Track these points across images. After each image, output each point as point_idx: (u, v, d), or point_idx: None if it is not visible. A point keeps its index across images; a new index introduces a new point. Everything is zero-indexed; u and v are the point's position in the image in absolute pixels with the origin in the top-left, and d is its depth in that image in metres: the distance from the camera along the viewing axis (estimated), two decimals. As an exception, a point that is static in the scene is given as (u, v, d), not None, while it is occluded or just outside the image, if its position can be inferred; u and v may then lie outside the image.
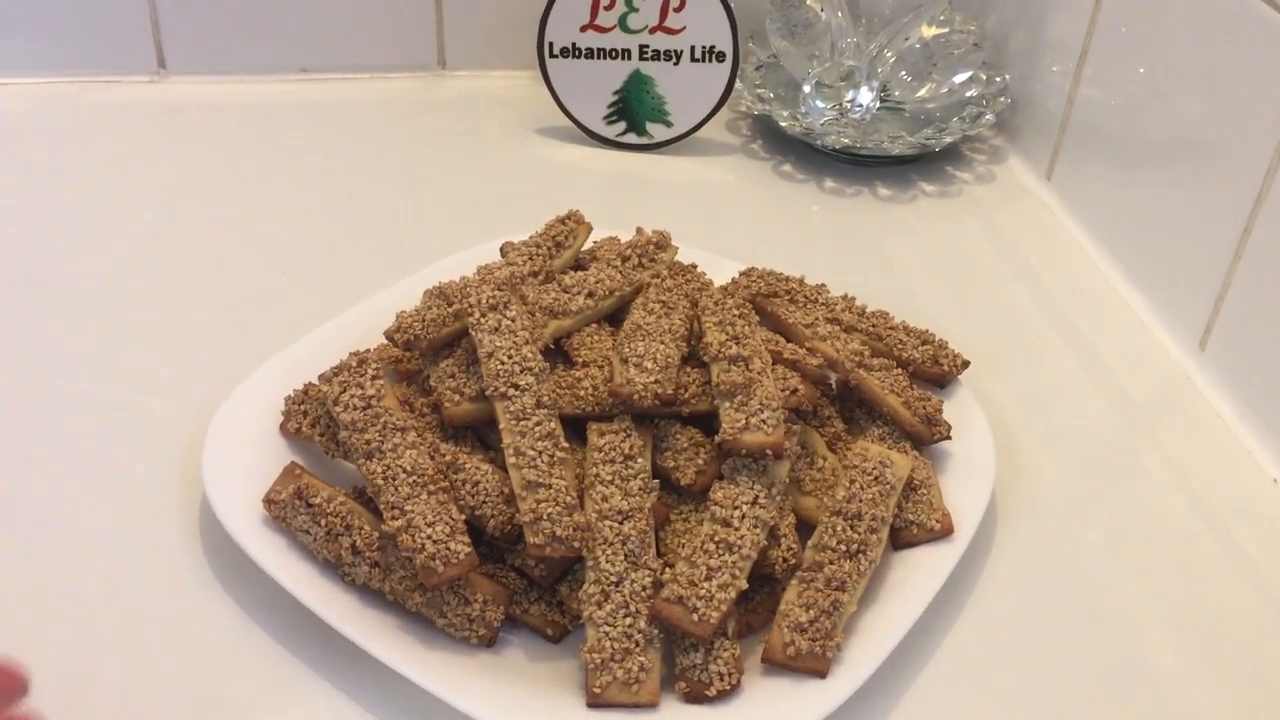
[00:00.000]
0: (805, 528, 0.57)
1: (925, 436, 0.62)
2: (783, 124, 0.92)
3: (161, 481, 0.61)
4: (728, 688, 0.51)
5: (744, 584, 0.53)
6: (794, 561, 0.55)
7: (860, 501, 0.56)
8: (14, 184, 0.85)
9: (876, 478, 0.57)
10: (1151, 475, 0.67)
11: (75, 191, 0.85)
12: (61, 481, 0.62)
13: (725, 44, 0.90)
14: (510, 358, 0.57)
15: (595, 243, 0.70)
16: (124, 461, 0.63)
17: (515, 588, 0.56)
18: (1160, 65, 0.79)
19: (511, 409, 0.56)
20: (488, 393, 0.57)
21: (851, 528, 0.55)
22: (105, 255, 0.79)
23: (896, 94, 0.94)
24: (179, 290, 0.76)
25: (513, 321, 0.58)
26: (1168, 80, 0.78)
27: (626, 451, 0.56)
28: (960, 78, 0.93)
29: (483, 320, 0.58)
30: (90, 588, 0.56)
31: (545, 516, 0.53)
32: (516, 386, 0.56)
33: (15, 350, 0.70)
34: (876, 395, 0.63)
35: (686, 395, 0.59)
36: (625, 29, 0.90)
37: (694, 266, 0.69)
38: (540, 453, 0.54)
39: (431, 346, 0.61)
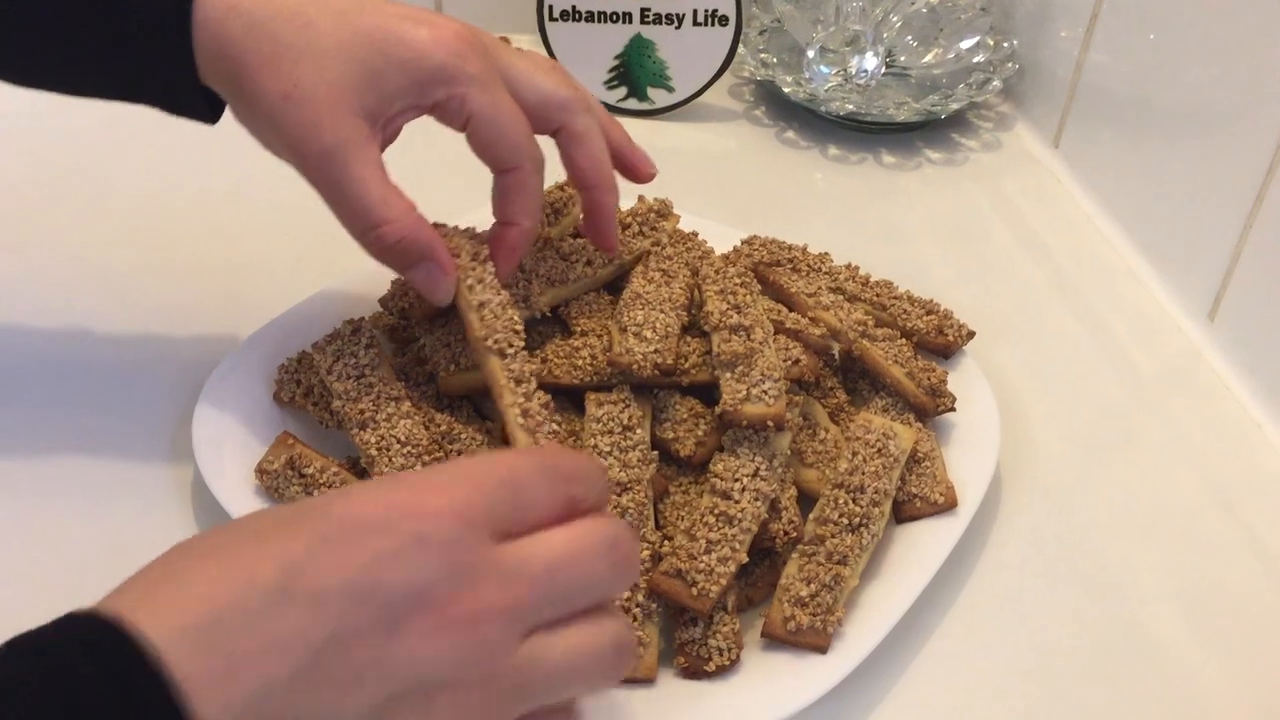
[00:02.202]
0: (807, 500, 0.56)
1: (929, 408, 0.61)
2: (786, 90, 0.90)
3: (153, 450, 0.61)
4: (727, 663, 0.50)
5: (744, 557, 0.52)
6: (795, 535, 0.54)
7: (863, 474, 0.55)
8: (8, 146, 0.84)
9: (879, 450, 0.57)
10: (1159, 448, 0.66)
11: (66, 157, 0.83)
12: (51, 450, 0.61)
13: (728, 7, 0.89)
14: (498, 315, 0.54)
15: (594, 210, 0.69)
16: (114, 430, 0.62)
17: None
18: (1172, 31, 0.77)
19: (511, 368, 0.53)
20: (484, 345, 0.53)
21: (854, 501, 0.55)
22: (96, 221, 0.78)
23: (902, 59, 0.93)
24: (171, 255, 0.75)
25: (494, 278, 0.55)
26: (1179, 46, 0.77)
27: (625, 422, 0.55)
28: (967, 43, 0.92)
29: (470, 269, 0.55)
30: (80, 557, 0.56)
31: None
32: (511, 345, 0.53)
33: (6, 314, 0.69)
34: (880, 366, 0.62)
35: (686, 365, 0.58)
36: (626, -9, 0.89)
37: (695, 234, 0.68)
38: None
39: (426, 315, 0.60)
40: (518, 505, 0.37)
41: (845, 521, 0.54)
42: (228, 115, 0.55)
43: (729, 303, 0.58)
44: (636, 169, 0.60)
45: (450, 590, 0.34)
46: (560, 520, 0.37)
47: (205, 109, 0.54)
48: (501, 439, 0.55)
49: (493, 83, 0.53)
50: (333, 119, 0.50)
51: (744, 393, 0.55)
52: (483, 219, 0.68)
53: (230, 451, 0.57)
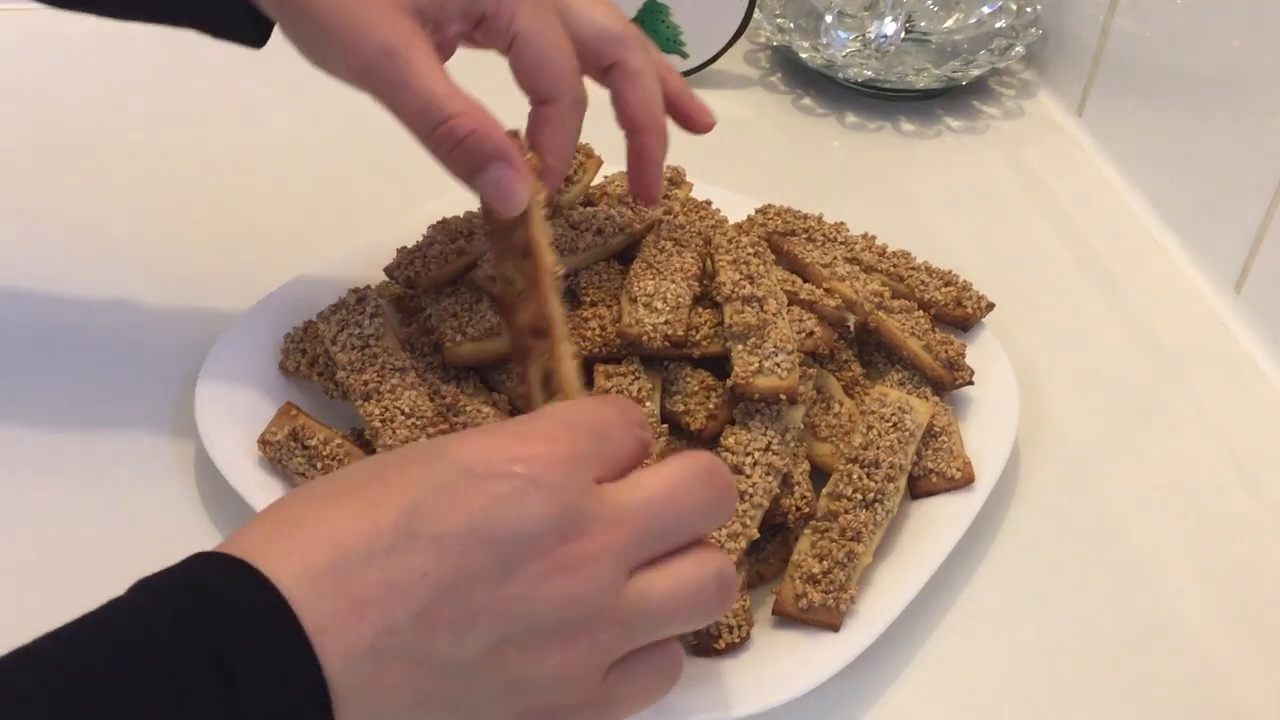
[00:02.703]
0: (820, 475, 0.55)
1: (947, 381, 0.60)
2: (803, 55, 0.89)
3: (155, 420, 0.60)
4: (737, 640, 0.49)
5: (755, 533, 0.51)
6: (808, 510, 0.53)
7: (878, 449, 0.54)
8: (9, 112, 0.83)
9: (895, 424, 0.55)
10: (1182, 423, 0.65)
11: (72, 121, 0.83)
12: (53, 420, 0.60)
13: (744, -29, 0.87)
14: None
15: (605, 178, 0.68)
16: (117, 398, 0.61)
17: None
18: (1200, -5, 0.75)
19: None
20: (553, 280, 0.48)
21: (868, 476, 0.53)
22: (99, 189, 0.77)
23: (922, 24, 0.91)
24: (176, 223, 0.74)
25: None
26: (1206, 12, 0.75)
27: (635, 395, 0.54)
28: (989, 8, 0.90)
29: (539, 191, 0.51)
30: (84, 528, 0.55)
31: None
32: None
33: (5, 282, 0.68)
34: (896, 338, 0.60)
35: (698, 337, 0.57)
36: (640, -46, 0.87)
37: (708, 203, 0.67)
38: None
39: (433, 284, 0.59)
40: (609, 450, 0.38)
41: (859, 497, 0.53)
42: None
43: (742, 273, 0.57)
44: (694, 117, 0.58)
45: (561, 533, 0.35)
46: (637, 461, 0.39)
47: (250, 28, 0.53)
48: (510, 409, 0.54)
49: (545, 5, 0.50)
50: (390, 16, 0.47)
51: (756, 365, 0.53)
52: (471, 195, 0.66)
53: (233, 422, 0.56)
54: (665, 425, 0.55)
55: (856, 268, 0.63)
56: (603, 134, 0.68)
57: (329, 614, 0.33)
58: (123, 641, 0.32)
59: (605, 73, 0.54)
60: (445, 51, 0.51)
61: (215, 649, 0.31)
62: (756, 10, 0.88)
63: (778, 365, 0.53)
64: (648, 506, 0.37)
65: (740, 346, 0.54)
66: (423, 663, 0.34)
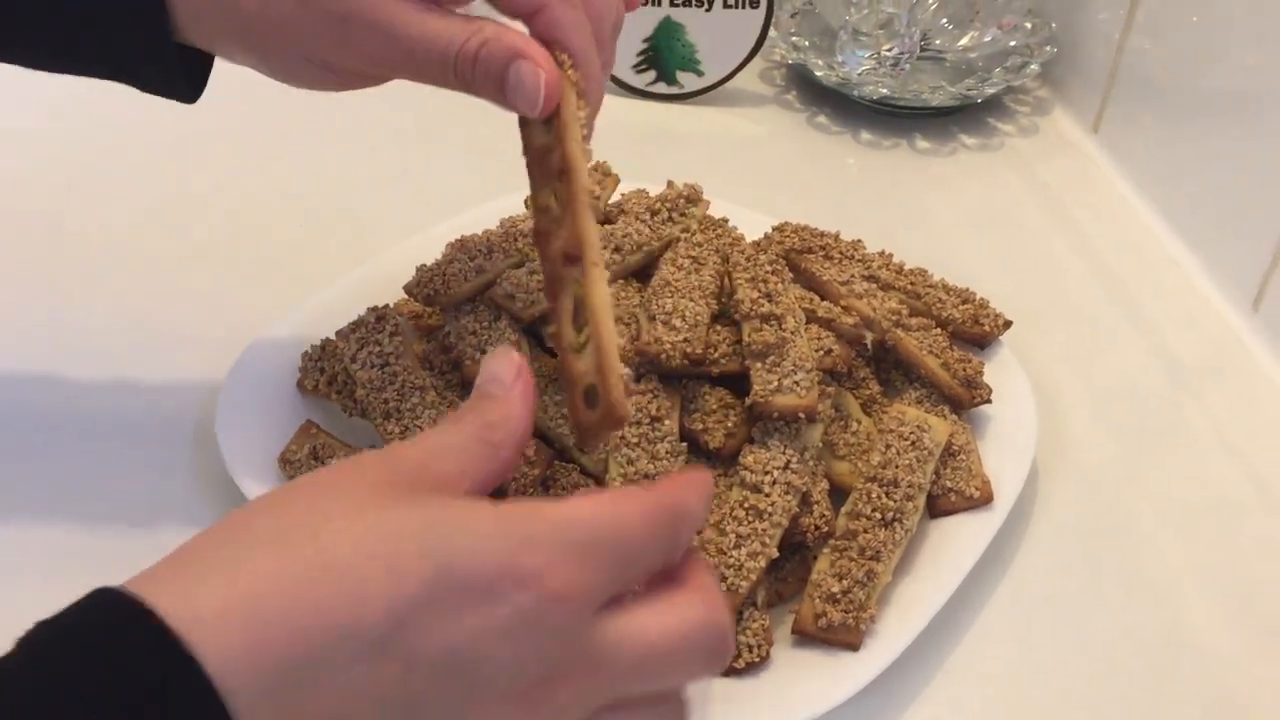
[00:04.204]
0: (839, 494, 0.55)
1: (965, 400, 0.60)
2: (818, 73, 0.89)
3: (176, 438, 0.60)
4: (756, 659, 0.49)
5: (774, 552, 0.51)
6: (827, 529, 0.53)
7: (896, 467, 0.54)
8: (32, 131, 0.84)
9: (913, 442, 0.55)
10: (1200, 441, 0.65)
11: (94, 141, 0.83)
12: (74, 437, 0.60)
13: (759, -11, 0.87)
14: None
15: (623, 195, 0.68)
16: (138, 417, 0.61)
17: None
18: (1215, 13, 0.75)
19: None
20: (588, 200, 0.44)
21: (887, 494, 0.53)
22: (121, 206, 0.77)
23: (937, 42, 0.91)
24: (195, 242, 0.74)
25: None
26: (1222, 29, 0.75)
27: (653, 413, 0.54)
28: (1004, 26, 0.90)
29: (580, 108, 0.47)
30: (101, 544, 0.55)
31: None
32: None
33: (32, 300, 0.69)
34: (914, 356, 0.60)
35: (716, 355, 0.57)
36: (656, -27, 0.87)
37: (725, 221, 0.67)
38: None
39: (452, 301, 0.59)
40: (629, 577, 0.34)
41: (878, 516, 0.53)
42: (249, 92, 0.52)
43: (760, 291, 0.57)
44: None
45: (539, 679, 0.32)
46: (663, 566, 0.35)
47: (182, 82, 0.50)
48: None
49: None
50: None
51: (775, 383, 0.53)
52: (511, 206, 0.67)
53: (254, 440, 0.56)
54: (684, 444, 0.55)
55: (874, 285, 0.63)
56: (618, 152, 0.68)
57: (269, 716, 0.30)
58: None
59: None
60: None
61: None
62: (772, 28, 0.89)
63: (796, 383, 0.53)
64: (637, 663, 0.34)
65: (759, 364, 0.54)
66: None
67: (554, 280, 0.43)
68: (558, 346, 0.43)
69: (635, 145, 0.85)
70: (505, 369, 0.38)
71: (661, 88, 0.91)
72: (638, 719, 0.35)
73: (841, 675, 0.49)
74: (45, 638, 0.30)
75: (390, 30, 0.45)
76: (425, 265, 0.61)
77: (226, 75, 0.53)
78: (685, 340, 0.55)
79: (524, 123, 0.47)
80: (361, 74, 0.49)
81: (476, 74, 0.45)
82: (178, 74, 0.50)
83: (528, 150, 0.47)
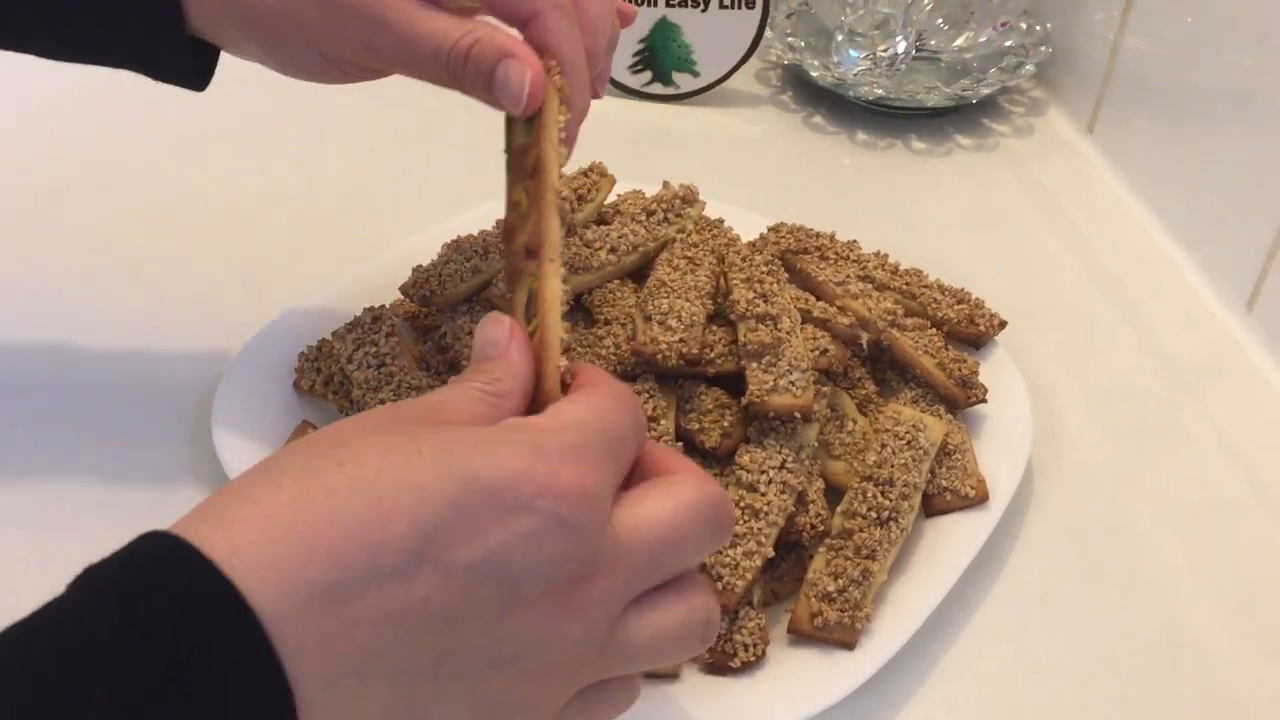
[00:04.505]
0: (834, 493, 0.55)
1: (960, 399, 0.60)
2: (814, 74, 0.89)
3: (172, 438, 0.60)
4: (752, 659, 0.49)
5: (770, 551, 0.51)
6: (822, 528, 0.53)
7: (892, 467, 0.54)
8: (29, 131, 0.84)
9: (909, 442, 0.55)
10: (1195, 441, 0.65)
11: (91, 140, 0.83)
12: (70, 437, 0.60)
13: (755, -10, 0.87)
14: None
15: (619, 196, 0.68)
16: (133, 417, 0.61)
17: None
18: (1209, 14, 0.76)
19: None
20: (555, 198, 0.45)
21: (882, 494, 0.53)
22: (118, 205, 0.77)
23: (932, 43, 0.91)
24: (191, 241, 0.74)
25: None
26: (1217, 30, 0.75)
27: (649, 413, 0.54)
28: (999, 26, 0.90)
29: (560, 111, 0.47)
30: (97, 543, 0.55)
31: None
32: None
33: (28, 298, 0.69)
34: (910, 356, 0.61)
35: (712, 355, 0.57)
36: (651, -26, 0.87)
37: (721, 221, 0.67)
38: None
39: (448, 302, 0.60)
40: (622, 464, 0.37)
41: (874, 515, 0.53)
42: (246, 92, 0.52)
43: (755, 291, 0.57)
44: (593, 84, 0.52)
45: (570, 576, 0.34)
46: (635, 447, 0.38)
47: (189, 70, 0.51)
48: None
49: None
50: None
51: (771, 383, 0.53)
52: (486, 214, 0.67)
53: (249, 440, 0.56)
54: (680, 443, 0.55)
55: (869, 286, 0.63)
56: (614, 152, 0.69)
57: (315, 634, 0.31)
58: (72, 655, 0.29)
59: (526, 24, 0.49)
60: None
61: (178, 674, 0.29)
62: (767, 29, 0.89)
63: (792, 383, 0.54)
64: (653, 544, 0.36)
65: (755, 364, 0.55)
66: (399, 680, 0.33)
67: (514, 274, 0.45)
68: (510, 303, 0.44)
69: (631, 146, 0.86)
70: (498, 332, 0.39)
71: (657, 88, 0.91)
72: (667, 604, 0.37)
73: (837, 674, 0.49)
74: (93, 576, 0.31)
75: (391, 25, 0.47)
76: (421, 266, 0.61)
77: (225, 76, 0.53)
78: (681, 340, 0.55)
79: (509, 121, 0.48)
80: (362, 67, 0.50)
81: (467, 70, 0.46)
82: (188, 62, 0.51)
83: (509, 148, 0.48)
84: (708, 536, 0.38)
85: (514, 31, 0.48)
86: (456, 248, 0.62)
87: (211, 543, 0.31)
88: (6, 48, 0.52)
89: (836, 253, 0.66)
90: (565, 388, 0.40)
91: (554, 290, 0.42)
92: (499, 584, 0.33)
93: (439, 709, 0.34)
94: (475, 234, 0.63)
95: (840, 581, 0.51)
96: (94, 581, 0.31)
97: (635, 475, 0.38)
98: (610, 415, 0.37)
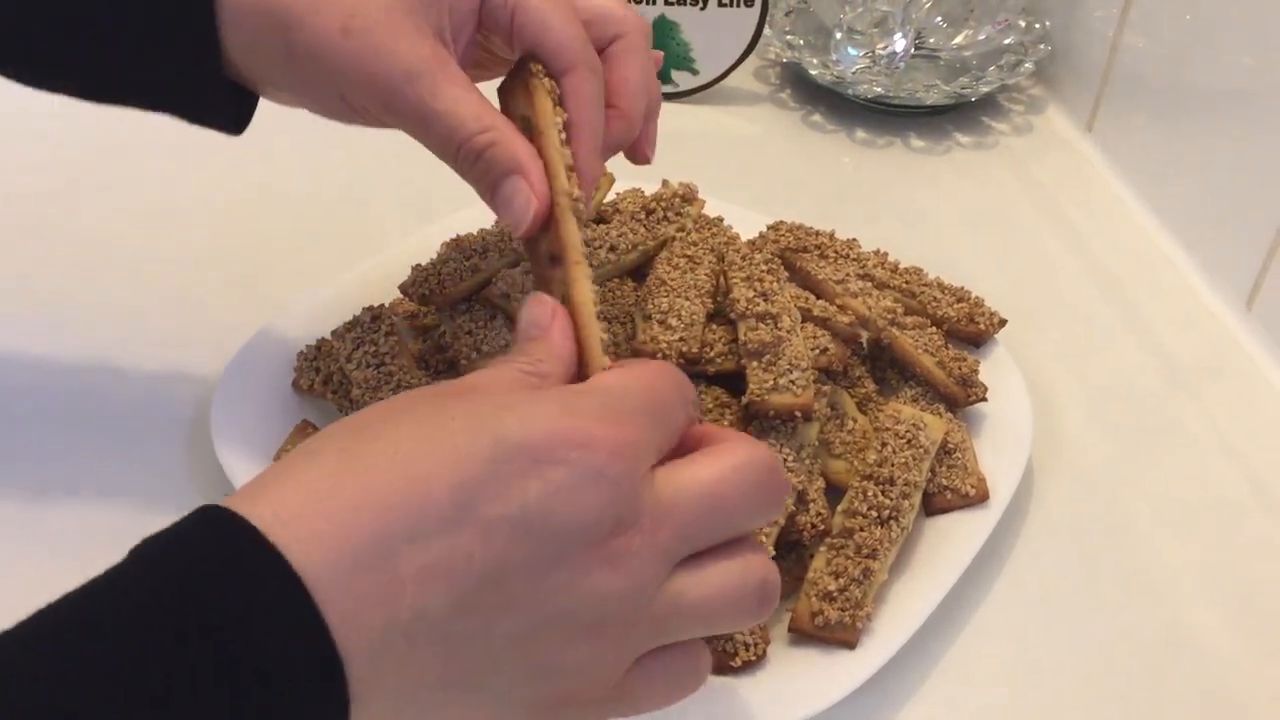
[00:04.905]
0: (835, 492, 0.55)
1: (960, 398, 0.60)
2: (813, 72, 0.89)
3: (171, 438, 0.60)
4: (753, 658, 0.49)
5: (771, 550, 0.51)
6: (823, 527, 0.53)
7: (892, 465, 0.54)
8: (28, 132, 0.84)
9: (909, 441, 0.55)
10: (1195, 440, 0.65)
11: (88, 141, 0.83)
12: (69, 437, 0.60)
13: (754, -12, 0.87)
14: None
15: (618, 195, 0.68)
16: (132, 417, 0.61)
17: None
18: (1208, 13, 0.75)
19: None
20: (570, 204, 0.45)
21: (883, 493, 0.53)
22: (116, 205, 0.77)
23: (931, 41, 0.91)
24: (190, 241, 0.74)
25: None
26: (1216, 28, 0.75)
27: (649, 412, 0.54)
28: (998, 24, 0.90)
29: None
30: (97, 545, 0.55)
31: None
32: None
33: (26, 298, 0.69)
34: (910, 355, 0.60)
35: (712, 354, 0.57)
36: (650, -28, 0.87)
37: (720, 220, 0.67)
38: None
39: (448, 301, 0.59)
40: (666, 429, 0.37)
41: (874, 514, 0.53)
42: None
43: (755, 290, 0.57)
44: (641, 142, 0.53)
45: (612, 527, 0.34)
46: (685, 430, 0.38)
47: (227, 114, 0.51)
48: None
49: None
50: (406, 40, 0.45)
51: (771, 382, 0.53)
52: (486, 212, 0.66)
53: (249, 439, 0.56)
54: (680, 442, 0.55)
55: (869, 284, 0.63)
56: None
57: (363, 597, 0.32)
58: (120, 625, 0.30)
59: (601, 53, 0.49)
60: (464, 60, 0.49)
61: (228, 650, 0.30)
62: (766, 27, 0.89)
63: (792, 382, 0.53)
64: (699, 501, 0.36)
65: (755, 363, 0.54)
66: (451, 645, 0.33)
67: (542, 281, 0.45)
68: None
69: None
70: (541, 312, 0.40)
71: (656, 86, 0.91)
72: (719, 563, 0.37)
73: (838, 673, 0.49)
74: (149, 549, 0.33)
75: (410, 95, 0.45)
76: (421, 265, 0.61)
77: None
78: (681, 339, 0.55)
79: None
80: (383, 121, 0.49)
81: (474, 171, 0.46)
82: (225, 103, 0.50)
83: None
84: (760, 501, 0.37)
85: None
86: (456, 247, 0.62)
87: (258, 516, 0.32)
88: (47, 88, 0.52)
89: (836, 251, 0.66)
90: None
91: (585, 293, 0.43)
92: (539, 538, 0.33)
93: (492, 678, 0.35)
94: (474, 233, 0.63)
95: (841, 580, 0.51)
96: (146, 553, 0.33)
97: (683, 450, 0.38)
98: (651, 380, 0.37)
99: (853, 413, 0.59)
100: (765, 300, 0.56)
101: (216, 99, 0.50)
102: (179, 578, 0.31)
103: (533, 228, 0.44)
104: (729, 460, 0.37)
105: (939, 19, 0.90)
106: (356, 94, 0.46)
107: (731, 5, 0.88)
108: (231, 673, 0.30)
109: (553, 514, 0.33)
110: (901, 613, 0.51)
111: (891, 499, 0.53)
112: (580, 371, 0.41)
